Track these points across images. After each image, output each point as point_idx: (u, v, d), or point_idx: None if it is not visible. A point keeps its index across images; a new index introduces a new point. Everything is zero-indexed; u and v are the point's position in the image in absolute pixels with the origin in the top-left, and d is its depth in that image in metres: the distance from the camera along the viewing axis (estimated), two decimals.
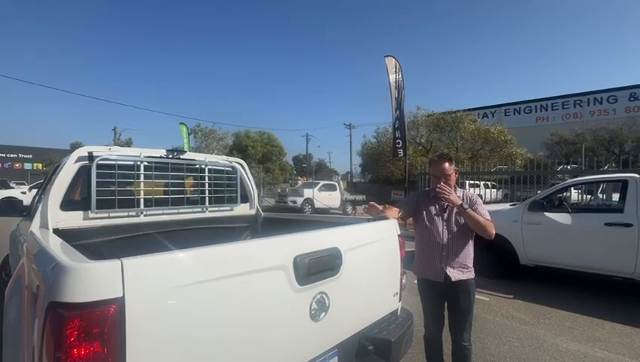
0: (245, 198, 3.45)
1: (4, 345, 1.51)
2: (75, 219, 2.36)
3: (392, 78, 10.26)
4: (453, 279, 2.15)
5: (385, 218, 2.18)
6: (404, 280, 2.21)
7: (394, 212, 2.26)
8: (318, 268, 1.49)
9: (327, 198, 16.41)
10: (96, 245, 2.37)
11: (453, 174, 2.23)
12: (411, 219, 2.42)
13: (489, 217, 2.20)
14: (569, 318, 3.82)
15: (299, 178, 35.78)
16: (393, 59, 10.25)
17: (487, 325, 3.60)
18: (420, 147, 21.12)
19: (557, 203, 5.11)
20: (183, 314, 1.07)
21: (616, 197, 6.35)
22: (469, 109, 24.43)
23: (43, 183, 2.97)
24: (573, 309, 4.03)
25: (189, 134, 20.60)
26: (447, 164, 2.22)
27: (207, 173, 3.14)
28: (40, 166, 38.97)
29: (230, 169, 3.34)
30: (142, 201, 2.71)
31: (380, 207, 2.25)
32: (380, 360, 1.81)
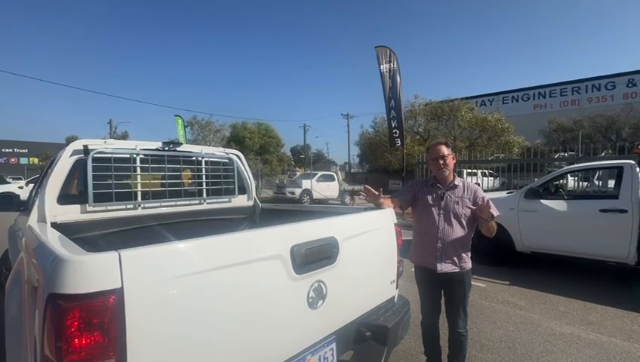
0: (243, 190, 3.45)
1: (6, 337, 1.53)
2: (72, 213, 2.36)
3: (385, 67, 10.16)
4: (444, 271, 2.18)
5: (381, 207, 2.19)
6: (400, 268, 2.24)
7: (389, 202, 2.27)
8: (314, 257, 1.51)
9: (326, 189, 16.43)
10: (95, 238, 2.38)
11: (451, 157, 2.24)
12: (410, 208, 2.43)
13: (496, 208, 2.17)
14: (563, 303, 3.89)
15: (297, 169, 35.73)
16: (386, 49, 10.12)
17: (483, 311, 3.67)
18: (418, 136, 21.07)
19: (553, 190, 5.15)
20: (181, 304, 1.09)
21: (612, 183, 6.40)
22: (467, 98, 24.34)
23: (39, 177, 2.96)
24: (568, 294, 4.11)
25: (186, 126, 20.44)
26: (443, 146, 2.24)
27: (204, 165, 3.14)
28: (36, 160, 38.63)
29: (227, 160, 3.33)
30: (139, 194, 2.71)
31: (377, 192, 2.22)
32: (377, 346, 1.84)
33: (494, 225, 2.16)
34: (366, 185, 2.29)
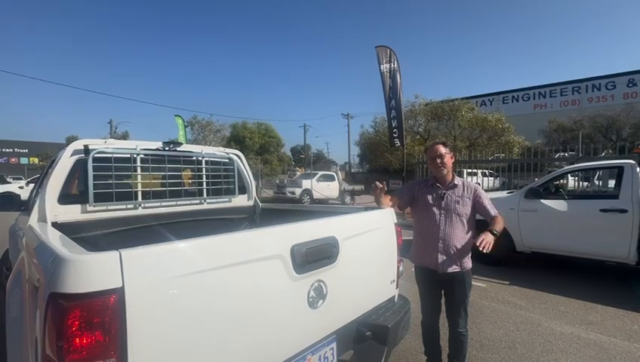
0: (243, 190, 3.45)
1: (7, 337, 1.53)
2: (73, 213, 2.36)
3: (385, 67, 10.16)
4: (446, 271, 2.18)
5: (381, 207, 2.19)
6: (400, 268, 2.24)
7: (388, 201, 2.27)
8: (315, 256, 1.51)
9: (326, 189, 16.43)
10: (95, 238, 2.39)
11: (449, 157, 2.24)
12: (409, 208, 2.43)
13: (494, 207, 2.24)
14: (563, 303, 3.89)
15: (297, 169, 35.74)
16: (386, 49, 10.13)
17: (483, 310, 3.67)
18: (418, 136, 21.06)
19: (553, 190, 5.15)
20: (182, 304, 1.09)
21: (612, 183, 6.40)
22: (467, 97, 24.33)
23: (40, 177, 2.97)
24: (568, 294, 4.11)
25: (186, 126, 20.45)
26: (440, 146, 2.25)
27: (204, 165, 3.14)
28: (36, 160, 38.67)
29: (227, 160, 3.33)
30: (139, 194, 2.71)
31: (381, 184, 2.20)
32: (378, 346, 1.85)
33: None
34: (375, 182, 2.26)
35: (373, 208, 2.20)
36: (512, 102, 34.29)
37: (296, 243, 1.45)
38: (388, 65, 10.14)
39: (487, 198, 2.24)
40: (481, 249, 2.03)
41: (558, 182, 5.44)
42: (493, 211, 2.22)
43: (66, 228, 2.01)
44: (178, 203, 2.95)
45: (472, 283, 2.38)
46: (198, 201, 3.11)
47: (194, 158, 3.10)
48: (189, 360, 1.11)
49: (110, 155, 2.52)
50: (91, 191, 2.38)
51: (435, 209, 2.24)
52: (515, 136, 18.89)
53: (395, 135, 10.49)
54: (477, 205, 2.22)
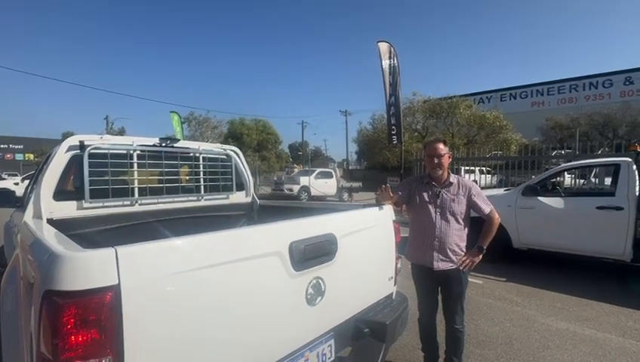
0: (241, 186, 3.44)
1: (2, 334, 1.52)
2: (68, 209, 2.34)
3: (386, 63, 10.14)
4: (442, 268, 2.19)
5: (380, 204, 2.19)
6: (399, 265, 2.25)
7: (389, 197, 2.26)
8: (313, 253, 1.50)
9: (324, 186, 16.44)
10: (91, 234, 2.37)
11: (447, 156, 2.24)
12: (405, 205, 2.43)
13: (488, 203, 2.26)
14: (559, 299, 3.92)
15: (295, 166, 35.67)
16: (387, 45, 10.11)
17: (480, 307, 3.69)
18: (416, 133, 21.07)
19: (550, 187, 5.17)
20: (179, 301, 1.08)
21: (608, 181, 6.43)
22: (466, 95, 24.35)
23: (35, 173, 2.94)
24: (564, 290, 4.14)
25: (183, 123, 20.26)
26: (441, 145, 2.24)
27: (201, 161, 3.12)
28: (31, 156, 38.41)
29: (225, 157, 3.31)
30: (136, 190, 2.69)
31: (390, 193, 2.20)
32: (376, 342, 1.85)
33: (493, 232, 2.24)
34: (383, 185, 2.25)
35: (371, 205, 2.19)
36: (510, 99, 34.34)
37: (295, 240, 1.44)
38: (388, 62, 10.12)
39: (481, 196, 2.25)
40: (462, 268, 2.20)
41: (555, 180, 5.47)
42: (487, 209, 2.24)
43: (61, 225, 1.99)
44: (175, 199, 2.93)
45: (469, 279, 2.39)
46: (195, 198, 3.09)
47: (191, 155, 3.07)
48: (186, 357, 1.10)
49: (106, 151, 2.49)
50: (87, 187, 2.36)
51: (430, 207, 2.24)
52: (512, 133, 18.95)
53: (393, 132, 10.50)
54: (471, 203, 2.23)
